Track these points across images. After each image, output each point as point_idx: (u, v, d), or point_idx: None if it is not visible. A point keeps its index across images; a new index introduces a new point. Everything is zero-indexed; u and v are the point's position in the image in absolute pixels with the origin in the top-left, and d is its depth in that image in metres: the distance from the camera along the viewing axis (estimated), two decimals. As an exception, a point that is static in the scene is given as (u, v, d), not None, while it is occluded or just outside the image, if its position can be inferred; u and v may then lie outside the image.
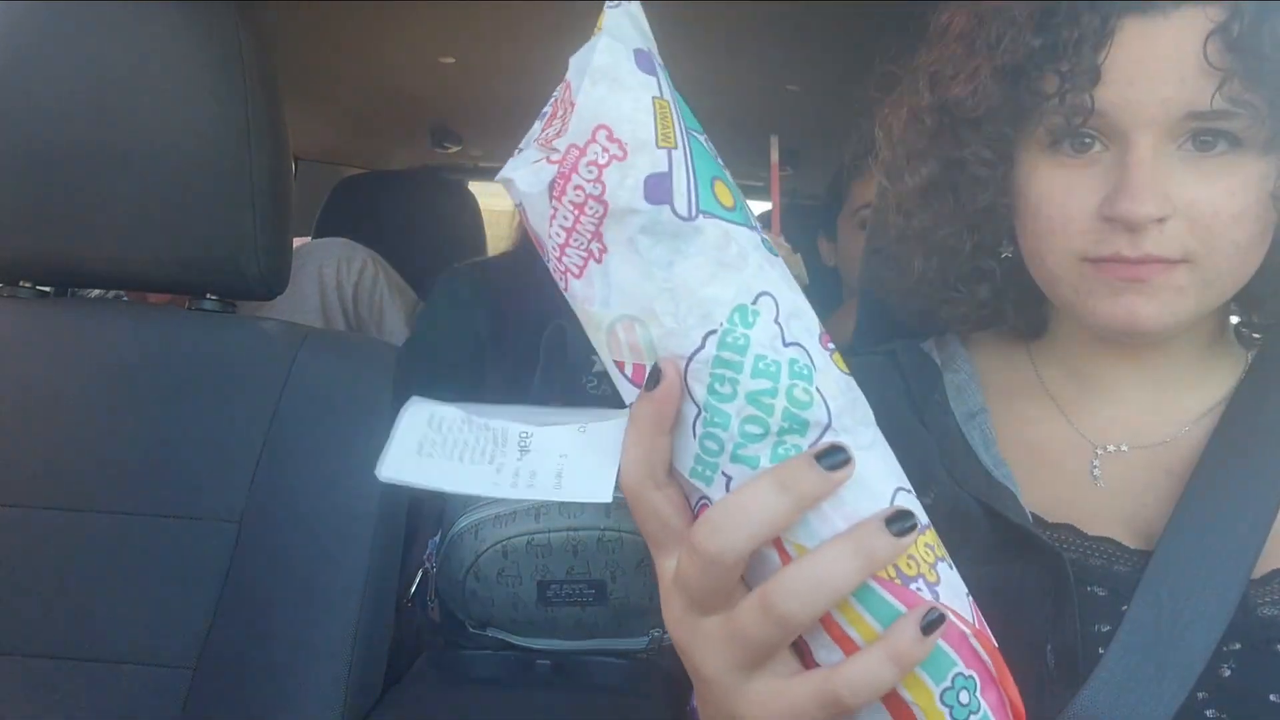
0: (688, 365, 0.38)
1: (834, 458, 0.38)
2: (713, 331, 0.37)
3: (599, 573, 0.95)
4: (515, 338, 1.29)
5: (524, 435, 0.42)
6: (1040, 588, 0.58)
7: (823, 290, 1.78)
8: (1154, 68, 0.55)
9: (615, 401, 0.43)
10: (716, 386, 0.37)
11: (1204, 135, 0.56)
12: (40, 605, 0.83)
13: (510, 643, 1.02)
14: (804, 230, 1.81)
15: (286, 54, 1.78)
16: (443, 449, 0.43)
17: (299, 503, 0.85)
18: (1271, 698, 0.55)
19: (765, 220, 2.32)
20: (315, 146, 2.48)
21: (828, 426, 0.39)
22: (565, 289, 0.41)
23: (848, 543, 0.38)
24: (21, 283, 0.94)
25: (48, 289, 0.95)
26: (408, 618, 1.07)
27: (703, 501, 0.40)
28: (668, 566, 0.42)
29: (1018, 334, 0.72)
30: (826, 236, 1.72)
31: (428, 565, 1.02)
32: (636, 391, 0.40)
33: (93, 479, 0.85)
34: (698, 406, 0.38)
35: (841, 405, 0.39)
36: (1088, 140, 0.58)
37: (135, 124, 0.87)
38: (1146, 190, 0.55)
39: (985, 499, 0.62)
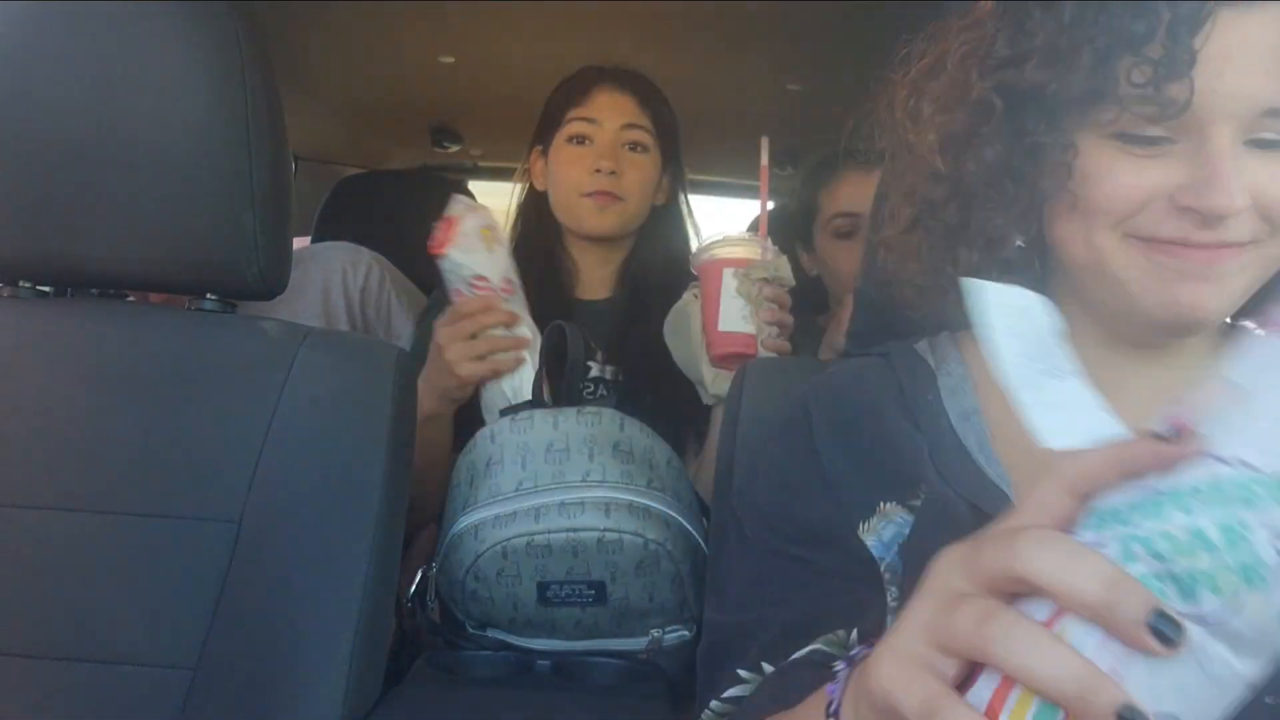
0: None
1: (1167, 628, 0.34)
2: None
3: (599, 573, 0.95)
4: None
5: None
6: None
7: (807, 296, 1.78)
8: (1242, 61, 0.55)
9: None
10: None
11: (1271, 133, 0.56)
12: (40, 605, 0.83)
13: (510, 643, 1.02)
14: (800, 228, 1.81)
15: (286, 54, 1.78)
16: None
17: (299, 503, 0.85)
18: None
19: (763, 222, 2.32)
20: (315, 146, 2.48)
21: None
22: None
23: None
24: (21, 283, 0.94)
25: (48, 289, 0.95)
26: (407, 619, 1.07)
27: None
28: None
29: None
30: (804, 248, 1.72)
31: (428, 565, 1.02)
32: None
33: (93, 479, 0.85)
34: None
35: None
36: (1150, 134, 0.57)
37: (135, 124, 0.87)
38: (1233, 183, 0.54)
39: (976, 500, 0.61)
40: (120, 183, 0.87)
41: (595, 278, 1.37)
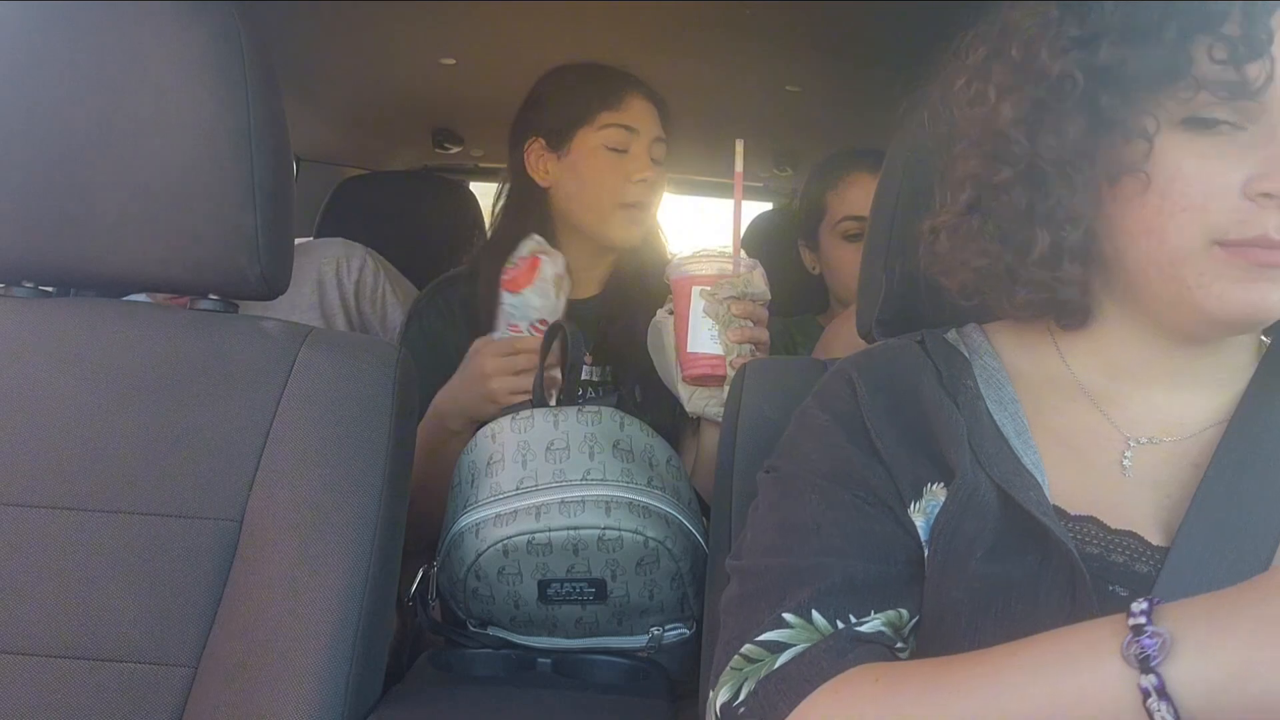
0: None
1: None
2: None
3: (599, 571, 0.95)
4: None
5: None
6: (1057, 583, 0.58)
7: (808, 295, 1.78)
8: None
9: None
10: None
11: None
12: (40, 605, 0.83)
13: (511, 641, 1.02)
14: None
15: (287, 54, 1.78)
16: None
17: (300, 502, 0.85)
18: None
19: (759, 221, 2.32)
20: (316, 147, 2.48)
21: None
22: None
23: None
24: (23, 282, 0.94)
25: (49, 289, 0.95)
26: (408, 617, 1.08)
27: None
28: None
29: (1044, 327, 0.70)
30: (808, 246, 1.72)
31: (429, 564, 1.02)
32: None
33: (93, 479, 0.85)
34: None
35: None
36: (1216, 120, 0.57)
37: (136, 124, 0.87)
38: None
39: (1006, 486, 0.61)
40: (122, 183, 0.87)
41: (585, 277, 1.36)
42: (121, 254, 0.89)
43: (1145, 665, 0.44)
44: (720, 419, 1.02)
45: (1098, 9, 0.59)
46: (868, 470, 0.65)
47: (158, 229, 0.88)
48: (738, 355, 1.07)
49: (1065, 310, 0.68)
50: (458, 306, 1.33)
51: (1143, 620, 0.45)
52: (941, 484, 0.64)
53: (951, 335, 0.73)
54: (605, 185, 1.30)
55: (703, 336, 1.08)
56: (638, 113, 1.32)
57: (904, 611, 0.62)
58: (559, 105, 1.34)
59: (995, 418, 0.66)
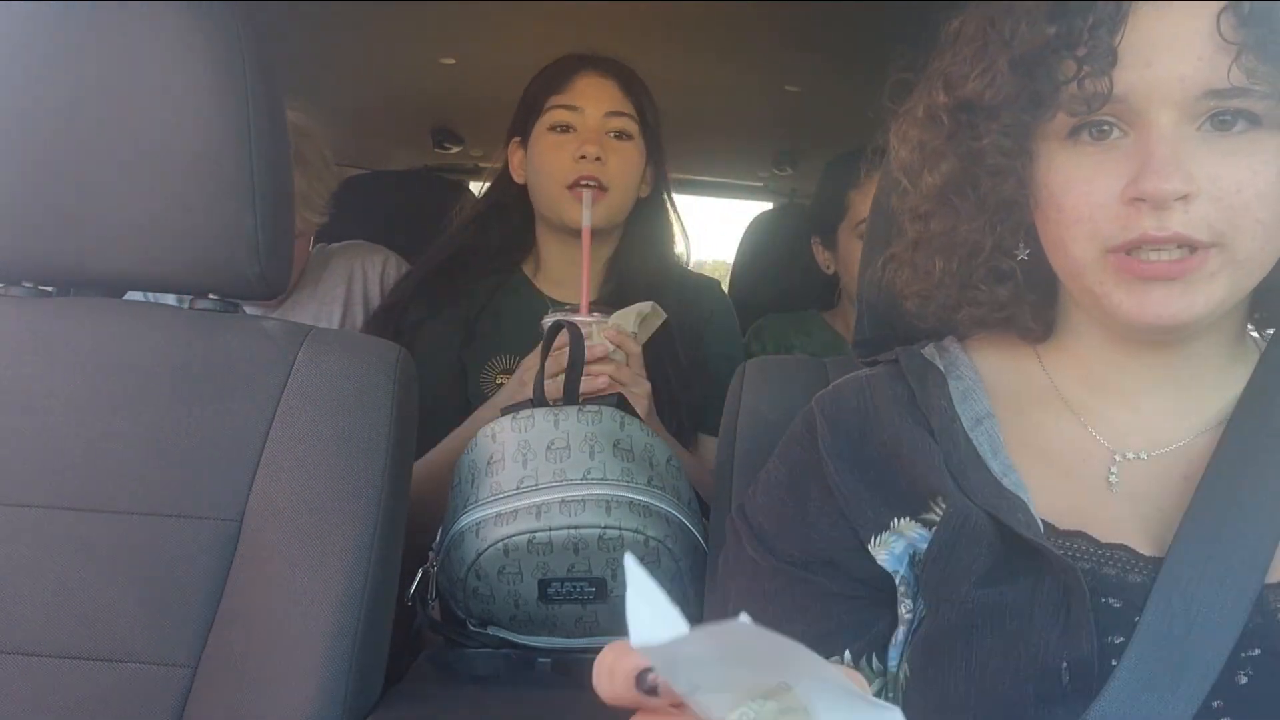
0: None
1: None
2: None
3: (600, 570, 0.95)
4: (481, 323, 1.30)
5: None
6: (1052, 602, 0.58)
7: (809, 291, 1.77)
8: (1170, 47, 0.56)
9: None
10: None
11: (1222, 115, 0.56)
12: (40, 604, 0.83)
13: (511, 641, 1.02)
14: (801, 229, 1.81)
15: (288, 55, 1.78)
16: None
17: (300, 502, 0.85)
18: (1214, 704, 0.55)
19: (759, 221, 2.31)
20: (316, 147, 2.48)
21: None
22: None
23: None
24: (23, 282, 0.94)
25: (50, 288, 0.95)
26: (408, 617, 1.07)
27: None
28: None
29: (1024, 338, 0.71)
30: (824, 244, 1.70)
31: (429, 564, 1.02)
32: None
33: (93, 479, 0.85)
34: None
35: None
36: (1105, 128, 0.58)
37: (136, 124, 0.87)
38: (1170, 165, 0.55)
39: (993, 511, 0.61)
40: (122, 182, 0.87)
41: (577, 277, 1.36)
42: (121, 254, 0.89)
43: None
44: None
45: (975, 47, 0.63)
46: (812, 532, 0.67)
47: (157, 229, 0.88)
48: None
49: (1016, 327, 0.70)
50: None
51: None
52: (909, 518, 0.65)
53: (929, 350, 0.73)
54: (551, 167, 1.29)
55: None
56: (582, 90, 1.30)
57: (860, 654, 0.64)
58: (522, 102, 1.35)
59: (971, 436, 0.66)
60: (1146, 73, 0.56)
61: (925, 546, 0.63)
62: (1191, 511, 0.60)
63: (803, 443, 0.71)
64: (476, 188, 2.65)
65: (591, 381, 1.09)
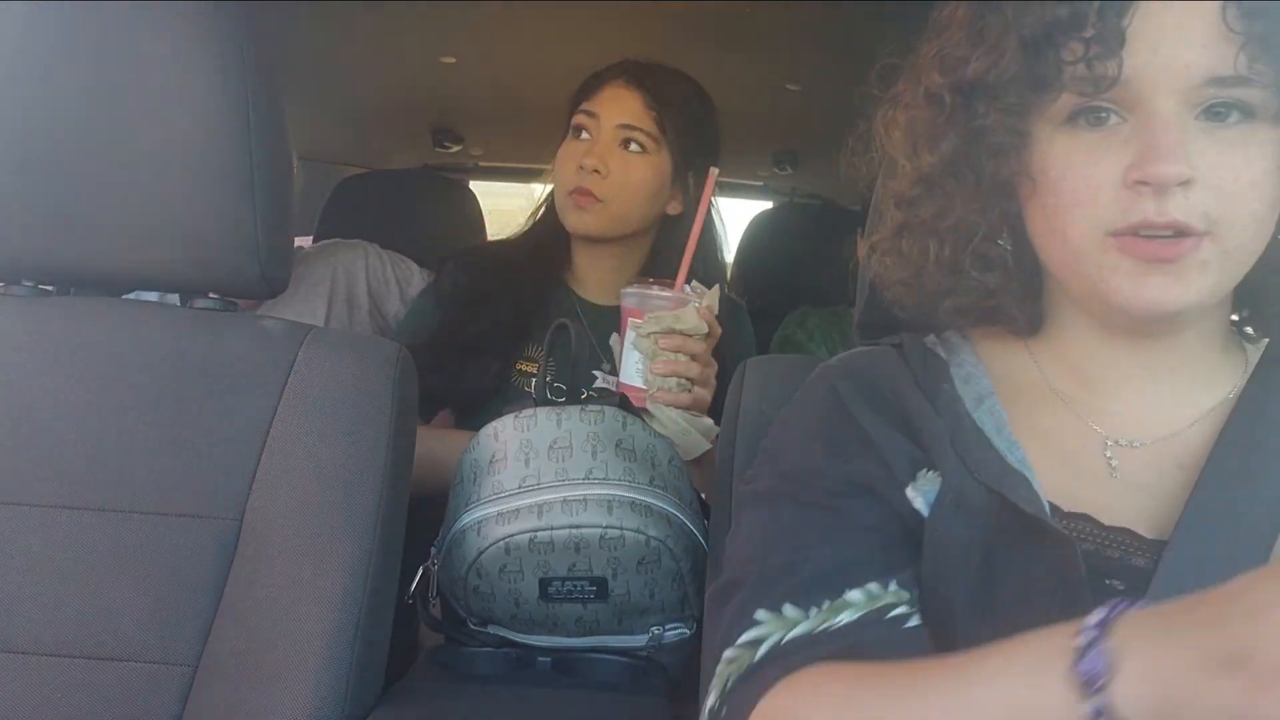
0: None
1: None
2: None
3: (601, 570, 0.95)
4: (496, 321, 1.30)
5: None
6: (1051, 577, 0.58)
7: (834, 288, 1.77)
8: (1177, 33, 0.56)
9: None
10: None
11: (1219, 105, 0.57)
12: (41, 603, 0.83)
13: (511, 640, 1.02)
14: (800, 228, 1.81)
15: (287, 54, 1.78)
16: None
17: (300, 501, 0.85)
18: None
19: (759, 221, 2.31)
20: (317, 146, 2.48)
21: None
22: None
23: None
24: (23, 281, 0.94)
25: (49, 287, 0.95)
26: (408, 616, 1.08)
27: None
28: None
29: (1015, 333, 0.71)
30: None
31: (429, 562, 1.02)
32: None
33: (92, 478, 0.85)
34: None
35: None
36: (1103, 114, 0.59)
37: (136, 124, 0.87)
38: (1175, 150, 0.55)
39: (997, 487, 0.61)
40: (122, 181, 0.87)
41: (605, 281, 1.35)
42: (121, 252, 0.89)
43: (1090, 686, 0.44)
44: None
45: (977, 30, 0.63)
46: (851, 464, 0.66)
47: (157, 228, 0.88)
48: (659, 389, 1.08)
49: (1001, 318, 0.70)
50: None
51: (1093, 635, 0.45)
52: (934, 471, 0.64)
53: (930, 339, 0.74)
54: (561, 170, 1.30)
55: (631, 368, 1.10)
56: (604, 98, 1.29)
57: (887, 583, 0.62)
58: (569, 107, 1.35)
59: (975, 417, 0.66)
60: (1152, 58, 0.57)
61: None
62: (1196, 495, 0.60)
63: (825, 400, 0.70)
64: (476, 187, 2.66)
65: (691, 367, 1.09)
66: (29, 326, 0.90)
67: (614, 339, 1.18)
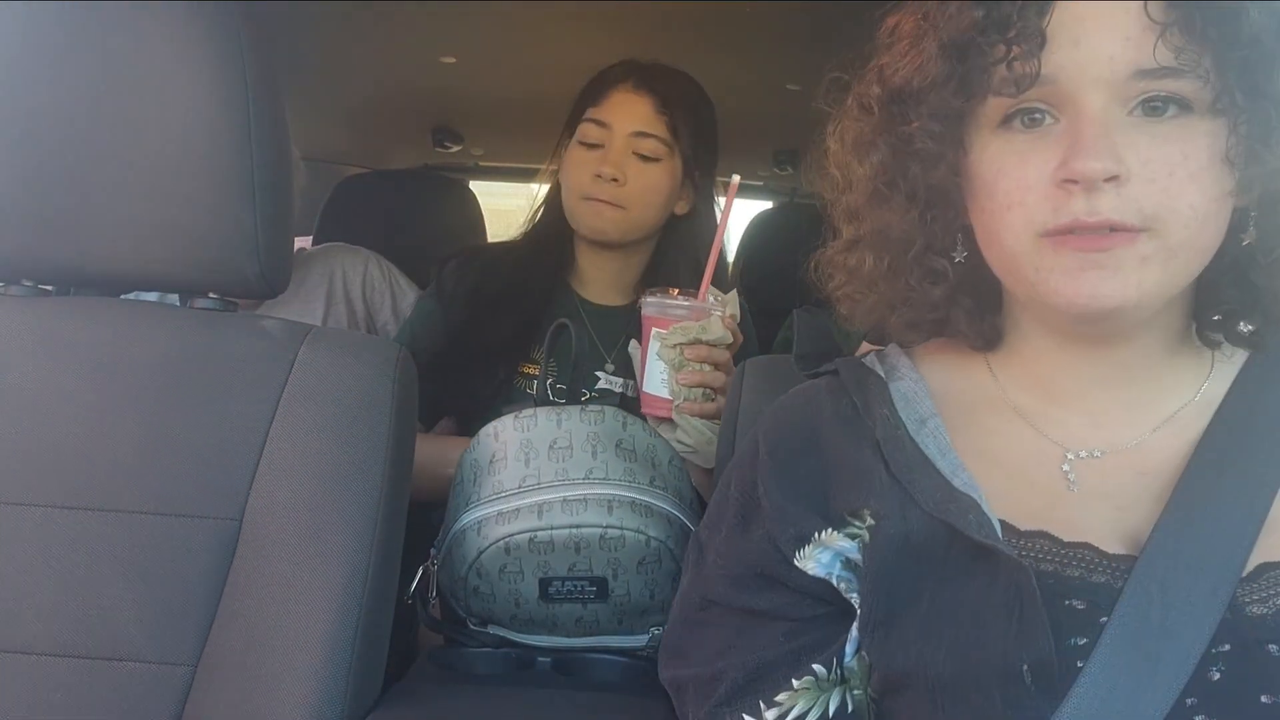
0: None
1: None
2: None
3: (601, 570, 0.95)
4: (496, 323, 1.30)
5: None
6: (1004, 602, 0.57)
7: None
8: (1097, 27, 0.56)
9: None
10: None
11: (1153, 100, 0.56)
12: (41, 603, 0.83)
13: (511, 640, 1.02)
14: (800, 228, 1.81)
15: (287, 54, 1.78)
16: None
17: (300, 501, 0.85)
18: (1263, 699, 0.54)
19: (759, 220, 2.31)
20: (316, 146, 2.48)
21: None
22: None
23: None
24: (23, 281, 0.94)
25: (49, 287, 0.95)
26: (408, 616, 1.08)
27: None
28: None
29: (973, 347, 0.71)
30: None
31: (429, 562, 1.02)
32: None
33: (94, 477, 0.85)
34: None
35: None
36: (1037, 115, 0.59)
37: (136, 124, 0.87)
38: (1098, 146, 0.55)
39: (943, 515, 0.61)
40: (122, 182, 0.87)
41: (609, 282, 1.35)
42: (121, 252, 0.89)
43: None
44: (687, 457, 1.06)
45: (906, 39, 0.63)
46: (752, 544, 0.68)
47: (157, 228, 0.88)
48: (685, 399, 1.08)
49: (949, 330, 0.70)
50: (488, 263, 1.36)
51: None
52: (833, 529, 0.65)
53: (869, 359, 0.73)
54: (572, 179, 1.29)
55: (655, 378, 1.10)
56: (615, 105, 1.28)
57: (822, 669, 0.64)
58: (572, 107, 1.34)
59: (917, 440, 0.66)
60: (1074, 52, 0.56)
61: (855, 555, 0.64)
62: (1171, 506, 0.59)
63: (746, 463, 0.72)
64: (476, 186, 2.66)
65: (716, 377, 1.09)
66: (29, 326, 0.90)
67: (633, 346, 1.17)
